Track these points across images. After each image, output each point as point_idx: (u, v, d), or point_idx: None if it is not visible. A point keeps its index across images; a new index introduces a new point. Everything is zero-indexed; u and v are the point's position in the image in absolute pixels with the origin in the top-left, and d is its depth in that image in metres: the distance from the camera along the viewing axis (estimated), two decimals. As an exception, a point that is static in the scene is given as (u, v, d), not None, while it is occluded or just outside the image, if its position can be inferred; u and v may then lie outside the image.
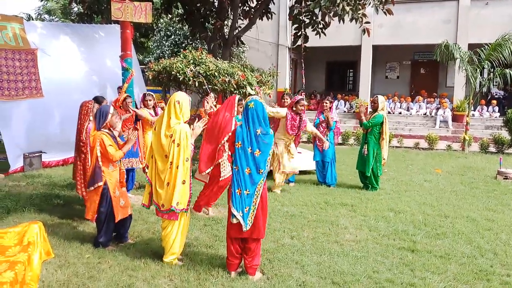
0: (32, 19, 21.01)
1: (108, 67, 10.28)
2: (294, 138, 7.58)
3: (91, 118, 5.56)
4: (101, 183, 4.73)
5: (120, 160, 5.01)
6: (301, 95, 9.61)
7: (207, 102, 7.21)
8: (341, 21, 11.20)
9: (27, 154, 9.03)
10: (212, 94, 8.30)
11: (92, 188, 4.77)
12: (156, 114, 7.34)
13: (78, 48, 10.06)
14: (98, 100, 6.27)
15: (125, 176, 5.57)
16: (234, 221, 4.04)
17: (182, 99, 4.33)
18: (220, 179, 5.76)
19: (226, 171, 5.71)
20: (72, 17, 21.03)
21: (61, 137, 9.30)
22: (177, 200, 4.27)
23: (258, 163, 3.98)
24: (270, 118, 8.30)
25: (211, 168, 5.53)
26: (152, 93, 7.62)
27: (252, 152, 4.00)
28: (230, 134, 5.23)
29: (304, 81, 14.87)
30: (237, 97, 6.01)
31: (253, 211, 4.02)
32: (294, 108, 7.34)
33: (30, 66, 8.92)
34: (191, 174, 4.44)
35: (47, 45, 9.40)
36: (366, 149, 7.79)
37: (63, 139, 9.14)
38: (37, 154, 9.22)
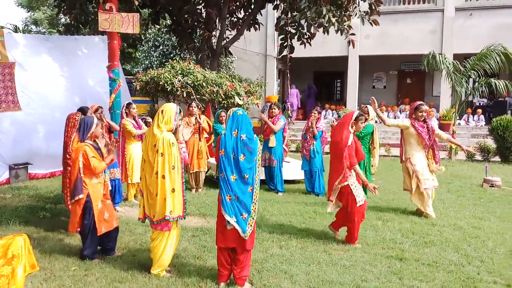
0: (19, 30, 20.88)
1: (89, 80, 10.06)
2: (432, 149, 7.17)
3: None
4: (81, 196, 4.65)
5: (104, 172, 4.97)
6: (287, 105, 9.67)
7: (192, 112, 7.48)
8: (326, 32, 11.32)
9: (13, 165, 8.91)
10: (194, 104, 8.32)
11: (73, 200, 4.71)
12: (137, 124, 7.31)
13: (59, 60, 9.76)
14: (83, 110, 6.17)
15: (110, 188, 5.52)
16: (229, 227, 4.01)
17: (166, 109, 4.34)
18: (357, 205, 5.36)
19: (360, 196, 5.39)
20: (59, 28, 20.95)
21: (46, 151, 9.15)
22: (170, 209, 4.23)
23: (242, 168, 3.97)
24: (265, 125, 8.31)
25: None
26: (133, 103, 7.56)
27: (236, 157, 3.98)
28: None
29: (290, 91, 14.98)
30: (356, 112, 5.61)
31: (253, 218, 4.02)
32: (414, 116, 7.13)
33: (6, 80, 8.81)
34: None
35: (28, 57, 9.18)
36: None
37: (49, 153, 9.00)
38: (23, 165, 9.11)
